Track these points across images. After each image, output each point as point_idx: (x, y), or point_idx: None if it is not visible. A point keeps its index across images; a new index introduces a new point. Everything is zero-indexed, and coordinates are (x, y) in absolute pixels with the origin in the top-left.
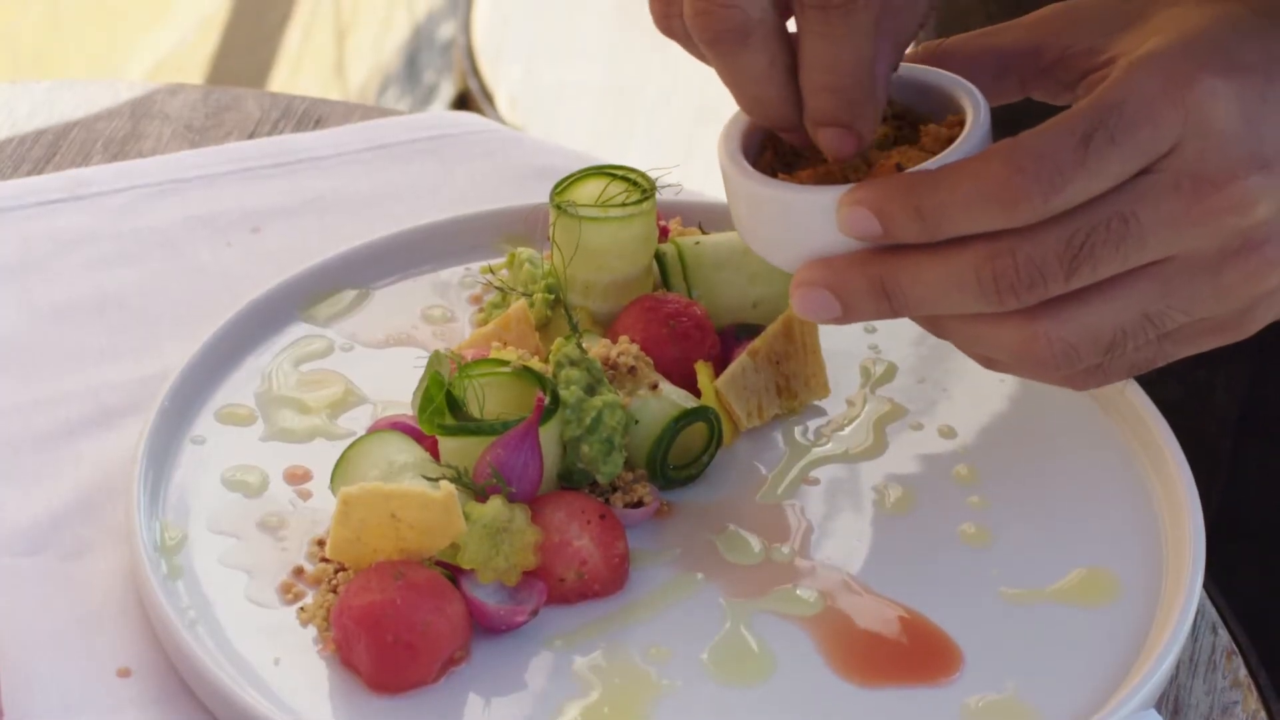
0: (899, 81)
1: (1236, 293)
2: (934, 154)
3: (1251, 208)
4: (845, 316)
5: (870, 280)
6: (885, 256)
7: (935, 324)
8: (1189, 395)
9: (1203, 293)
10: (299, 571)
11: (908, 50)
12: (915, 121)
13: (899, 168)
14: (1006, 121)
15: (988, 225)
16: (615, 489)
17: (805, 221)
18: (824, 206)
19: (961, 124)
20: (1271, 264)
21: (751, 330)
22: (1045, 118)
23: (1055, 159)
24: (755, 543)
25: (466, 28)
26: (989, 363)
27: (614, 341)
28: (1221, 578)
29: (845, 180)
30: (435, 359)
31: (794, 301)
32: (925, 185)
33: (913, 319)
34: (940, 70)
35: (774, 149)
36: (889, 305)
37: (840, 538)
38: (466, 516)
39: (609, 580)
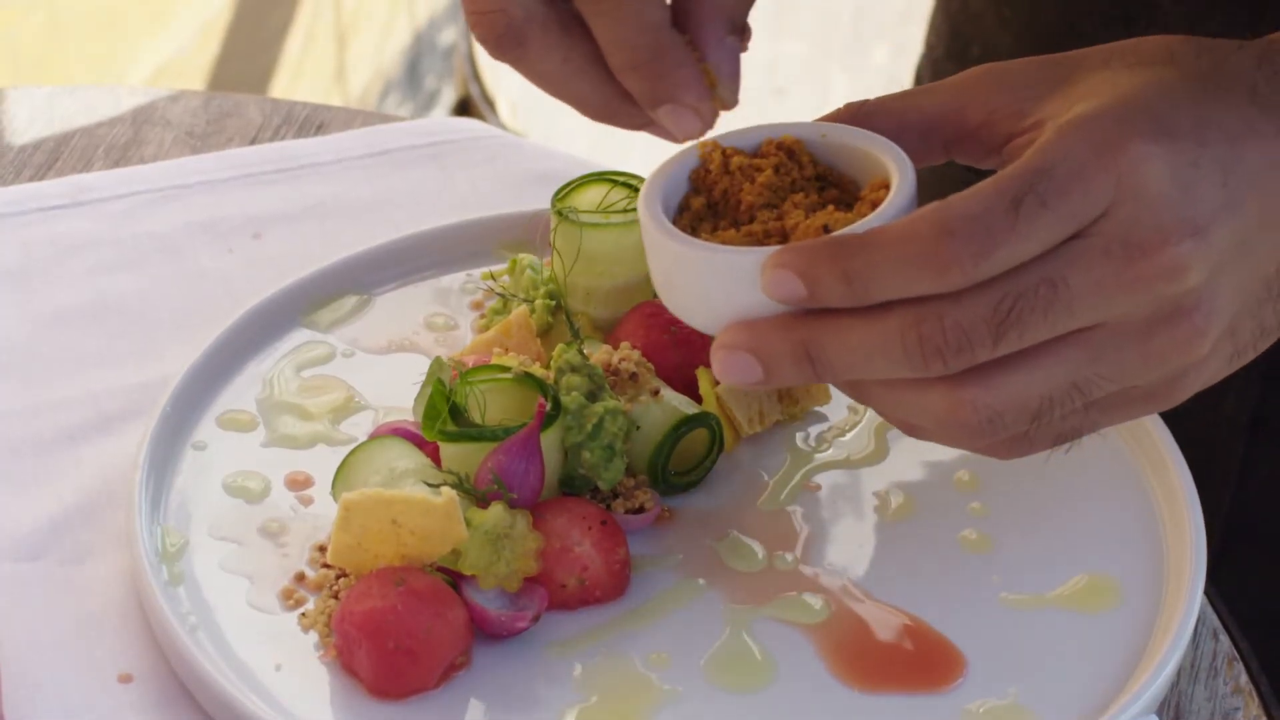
0: (823, 143)
1: (1166, 360)
2: (860, 216)
3: (1183, 274)
4: (767, 380)
5: (793, 344)
6: (809, 320)
7: (858, 389)
8: (1199, 399)
9: (1132, 360)
10: (300, 577)
11: (836, 109)
12: (838, 183)
13: (825, 229)
14: (930, 184)
15: (916, 290)
16: (616, 495)
17: (727, 283)
18: (747, 268)
19: (887, 186)
20: (1201, 332)
21: None
22: (970, 180)
23: (985, 223)
24: (757, 549)
25: (468, 33)
26: (912, 429)
27: (615, 347)
28: (1231, 581)
29: (768, 240)
30: (437, 365)
31: (714, 364)
32: (852, 249)
33: (834, 384)
34: (864, 131)
35: (694, 207)
36: (812, 370)
37: (842, 544)
38: (468, 522)
39: (610, 586)
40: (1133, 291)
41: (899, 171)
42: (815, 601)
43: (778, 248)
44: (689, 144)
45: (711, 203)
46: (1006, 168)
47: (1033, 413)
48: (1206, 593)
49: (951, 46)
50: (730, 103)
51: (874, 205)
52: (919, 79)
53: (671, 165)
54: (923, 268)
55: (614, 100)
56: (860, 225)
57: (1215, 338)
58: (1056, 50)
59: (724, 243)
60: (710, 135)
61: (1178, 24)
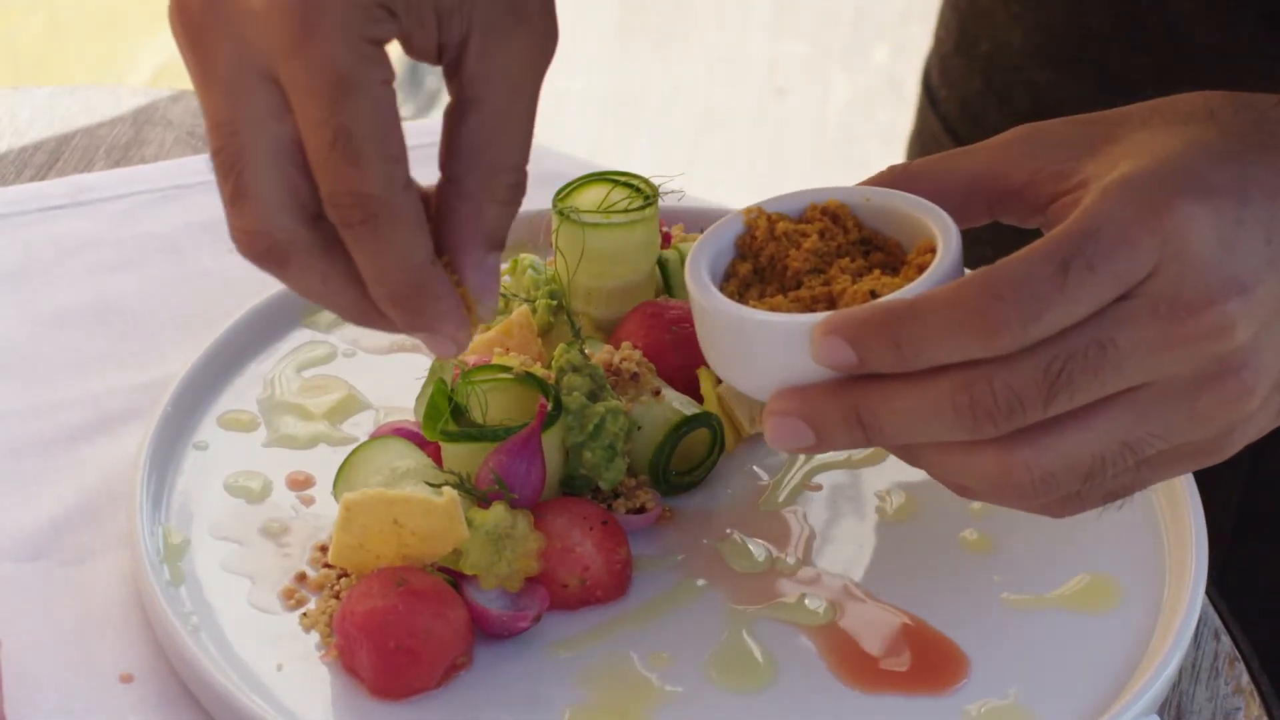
0: (867, 207)
1: (1214, 418)
2: (906, 280)
3: (1229, 332)
4: (819, 446)
5: (845, 410)
6: (859, 386)
7: (909, 452)
8: None
9: (1180, 419)
10: (301, 577)
11: (878, 173)
12: (883, 247)
13: (872, 295)
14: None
15: (966, 355)
16: (618, 495)
17: (777, 350)
18: (797, 335)
19: (932, 250)
20: (1249, 389)
21: None
22: (1014, 239)
23: (1033, 287)
24: (757, 549)
25: None
26: (963, 490)
27: (616, 348)
28: (1241, 577)
29: (816, 306)
30: (438, 365)
31: (766, 430)
32: (902, 315)
33: (886, 448)
34: (908, 195)
35: (741, 273)
36: (864, 435)
37: (842, 544)
38: (469, 522)
39: (611, 586)
40: (1180, 350)
41: (944, 235)
42: (816, 602)
43: (827, 314)
44: (734, 211)
45: (758, 268)
46: (1052, 231)
47: (1085, 473)
48: (1208, 593)
49: (960, 42)
50: (488, 319)
51: (920, 269)
52: (927, 74)
53: (716, 232)
54: (972, 333)
55: (370, 314)
56: (907, 291)
57: (1263, 393)
58: (1065, 46)
59: (772, 309)
60: (754, 201)
61: (1189, 18)
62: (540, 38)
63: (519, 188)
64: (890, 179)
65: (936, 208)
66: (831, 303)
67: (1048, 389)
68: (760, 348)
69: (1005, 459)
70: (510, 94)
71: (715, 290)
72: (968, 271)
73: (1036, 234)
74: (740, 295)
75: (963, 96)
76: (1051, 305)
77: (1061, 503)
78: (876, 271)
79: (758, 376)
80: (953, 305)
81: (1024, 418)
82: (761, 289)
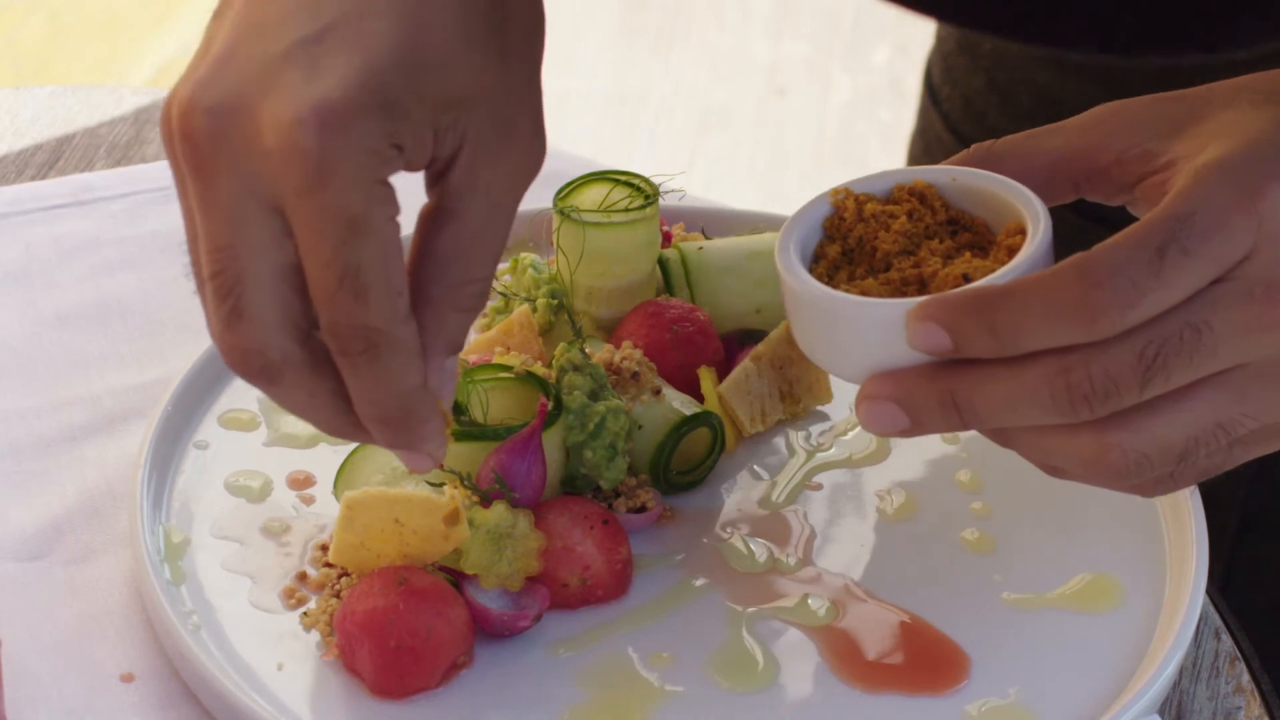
0: (953, 187)
1: None
2: (997, 263)
3: None
4: (913, 430)
5: (940, 395)
6: (954, 370)
7: (1003, 435)
8: None
9: (1274, 398)
10: (302, 577)
11: (963, 151)
12: (971, 227)
13: (965, 278)
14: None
15: (1064, 340)
16: (618, 494)
17: (871, 334)
18: (891, 320)
19: (1021, 231)
20: None
21: (754, 336)
22: (1091, 216)
23: (1131, 273)
24: (758, 548)
25: None
26: (1055, 471)
27: (617, 347)
28: (1244, 577)
29: (907, 288)
30: None
31: (860, 414)
32: (999, 301)
33: (979, 431)
34: (994, 175)
35: (830, 255)
36: (959, 418)
37: (843, 544)
38: (470, 522)
39: (612, 585)
40: (1275, 333)
41: (1033, 216)
42: (817, 602)
43: (922, 299)
44: (820, 193)
45: (847, 250)
46: (1147, 216)
47: (1179, 454)
48: (1209, 592)
49: (963, 41)
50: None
51: (1010, 251)
52: (929, 73)
53: (804, 214)
54: (1071, 320)
55: (350, 429)
56: (1002, 275)
57: None
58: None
59: (863, 292)
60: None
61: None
62: (527, 157)
63: (484, 296)
64: (975, 158)
65: (1024, 188)
66: (922, 285)
67: (1143, 373)
68: (853, 332)
69: (1100, 441)
70: (489, 211)
71: (806, 273)
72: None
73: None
74: (829, 278)
75: (965, 95)
76: (1149, 291)
77: (1154, 483)
78: (967, 254)
79: (850, 360)
80: (1051, 292)
81: (1119, 401)
82: (850, 271)
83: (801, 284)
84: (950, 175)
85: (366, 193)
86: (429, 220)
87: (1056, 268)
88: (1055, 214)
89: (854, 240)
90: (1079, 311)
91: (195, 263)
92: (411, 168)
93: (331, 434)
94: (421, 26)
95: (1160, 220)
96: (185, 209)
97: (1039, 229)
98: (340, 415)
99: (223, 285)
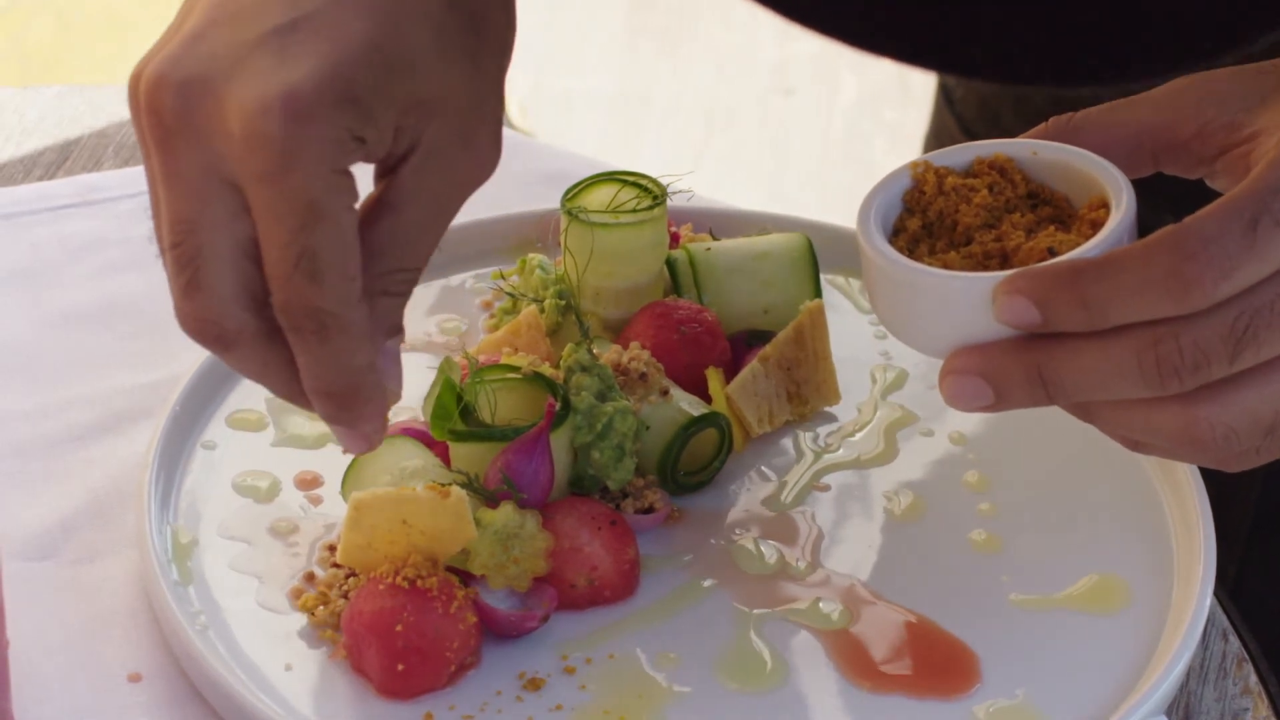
0: (1034, 160)
1: None
2: (1080, 236)
3: None
4: (998, 404)
5: (1026, 368)
6: (1041, 344)
7: (1086, 410)
8: None
9: None
10: (310, 577)
11: (1042, 124)
12: (1051, 200)
13: (1050, 252)
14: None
15: (1155, 313)
16: (626, 495)
17: (956, 307)
18: (977, 293)
19: (1104, 205)
20: None
21: (762, 336)
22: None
23: (1223, 245)
24: (766, 549)
25: None
26: (1138, 446)
27: (625, 347)
28: (1258, 577)
29: (989, 262)
30: (447, 364)
31: (944, 389)
32: (1089, 274)
33: (1063, 406)
34: (1076, 149)
35: (910, 229)
36: (1045, 393)
37: (851, 545)
38: (477, 522)
39: (619, 586)
40: None
41: (1116, 189)
42: (825, 604)
43: (1009, 273)
44: (901, 165)
45: (927, 223)
46: (1238, 187)
47: (1267, 427)
48: (1216, 593)
49: None
50: (397, 398)
51: (1092, 224)
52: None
53: (884, 187)
54: (1164, 293)
55: (297, 396)
56: (1090, 248)
57: None
58: None
59: (945, 265)
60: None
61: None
62: (480, 167)
63: (413, 281)
64: (1055, 131)
65: (1105, 161)
66: (1005, 259)
67: (1233, 345)
68: (937, 305)
69: (1188, 415)
70: (431, 212)
71: (889, 246)
72: None
73: None
74: (910, 251)
75: (980, 96)
76: (1242, 263)
77: (1239, 457)
78: (1050, 227)
79: (933, 334)
80: (1144, 264)
81: (1209, 374)
82: (931, 244)
83: (884, 258)
84: (1031, 148)
85: (327, 181)
86: (370, 210)
87: (1149, 240)
88: None
89: (934, 214)
90: (1172, 283)
91: (158, 230)
92: (370, 160)
93: (282, 398)
94: (396, 26)
95: (1252, 192)
96: (149, 178)
97: (1123, 202)
98: (293, 383)
99: (181, 256)
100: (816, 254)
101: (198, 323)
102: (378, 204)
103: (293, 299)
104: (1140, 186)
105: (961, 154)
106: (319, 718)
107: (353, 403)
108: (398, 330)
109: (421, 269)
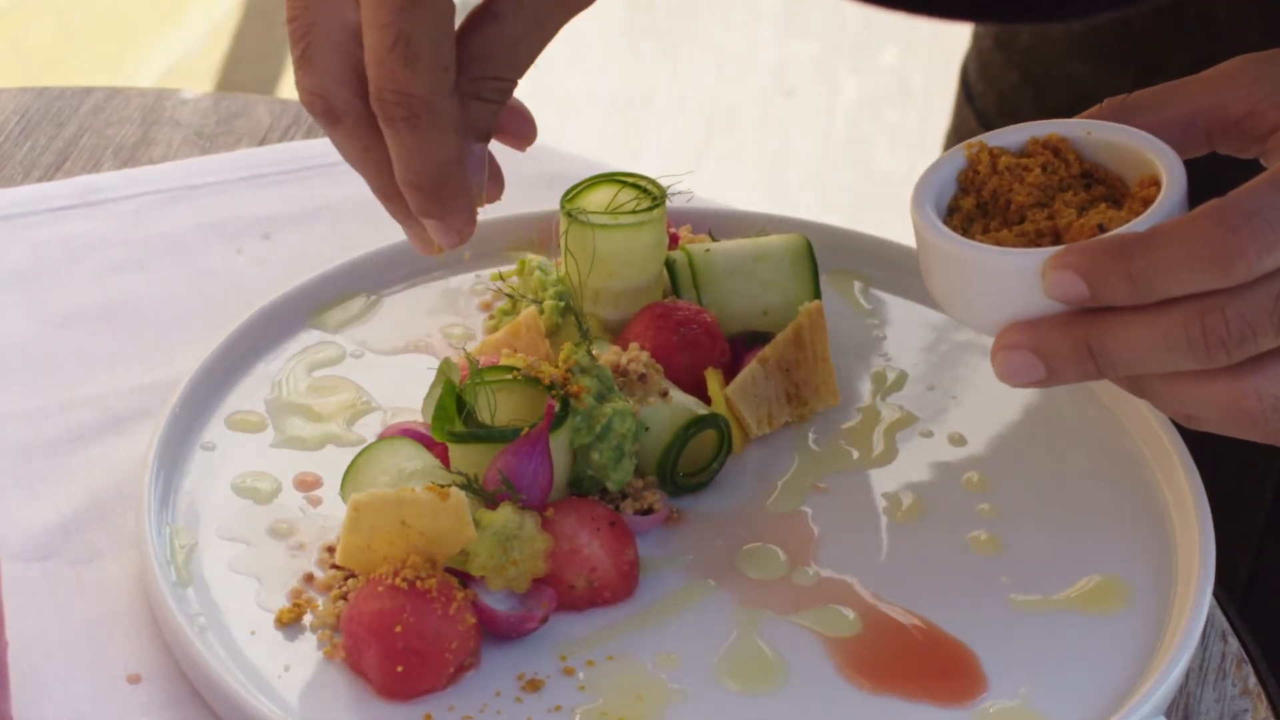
0: (1088, 140)
1: None
2: (1132, 214)
3: None
4: (1049, 379)
5: (1076, 342)
6: (1091, 318)
7: (1136, 383)
8: None
9: None
10: (309, 578)
11: (1096, 105)
12: (1105, 180)
13: (1100, 229)
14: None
15: (1201, 286)
16: (625, 496)
17: (1007, 284)
18: (1028, 270)
19: (1155, 183)
20: None
21: (761, 338)
22: (1227, 169)
23: (1267, 217)
24: (765, 550)
25: None
26: (1190, 420)
27: (624, 349)
28: (1271, 579)
29: (1041, 240)
30: (446, 366)
31: (996, 364)
32: (1136, 248)
33: (1113, 380)
34: (1128, 128)
35: (965, 208)
36: (1094, 366)
37: (850, 546)
38: (477, 523)
39: (619, 587)
40: None
41: (1167, 167)
42: (825, 604)
43: (1058, 249)
44: (956, 145)
45: (981, 203)
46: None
47: None
48: (1216, 594)
49: (1000, 36)
50: (495, 197)
51: (1144, 202)
52: (965, 70)
53: (938, 167)
54: (1209, 265)
55: (392, 192)
56: (1138, 224)
57: None
58: (1104, 40)
59: (997, 243)
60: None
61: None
62: None
63: (507, 91)
64: (1109, 112)
65: (1158, 141)
66: (1057, 237)
67: (1279, 318)
68: (989, 282)
69: (1237, 387)
70: (533, 25)
71: (942, 225)
72: None
73: None
74: (964, 230)
75: (1000, 91)
76: None
77: None
78: (1102, 205)
79: (985, 311)
80: (1188, 237)
81: (1256, 346)
82: (985, 224)
83: (937, 236)
84: (1085, 128)
85: None
86: (473, 18)
87: (1194, 213)
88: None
89: (988, 193)
90: (1217, 256)
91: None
92: None
93: (377, 194)
94: None
95: None
96: None
97: (1173, 180)
98: (390, 176)
99: (296, 30)
100: (815, 255)
101: (309, 95)
102: (484, 11)
103: (387, 83)
104: (1198, 169)
105: (1016, 134)
106: (318, 719)
107: (440, 194)
108: (489, 136)
109: (517, 80)
